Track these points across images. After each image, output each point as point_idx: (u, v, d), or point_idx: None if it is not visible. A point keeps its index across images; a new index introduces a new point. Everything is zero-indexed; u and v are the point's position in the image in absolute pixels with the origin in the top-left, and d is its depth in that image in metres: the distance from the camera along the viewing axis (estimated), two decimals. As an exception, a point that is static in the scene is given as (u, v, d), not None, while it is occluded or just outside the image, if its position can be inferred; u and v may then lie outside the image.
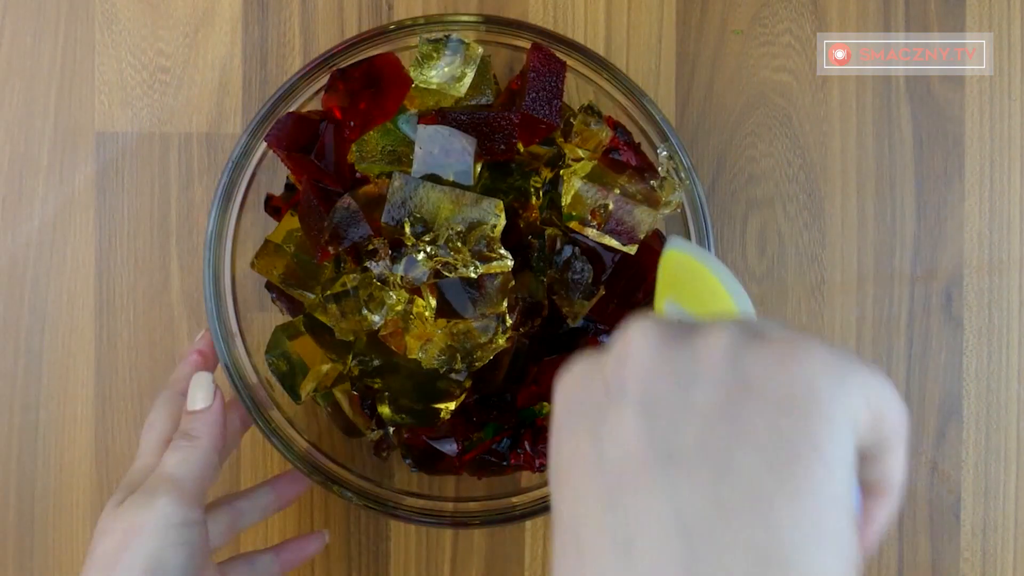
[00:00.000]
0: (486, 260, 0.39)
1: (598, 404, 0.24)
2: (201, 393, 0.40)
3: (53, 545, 0.51)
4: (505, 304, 0.40)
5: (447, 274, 0.39)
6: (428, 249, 0.39)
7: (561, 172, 0.44)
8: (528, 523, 0.51)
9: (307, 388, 0.44)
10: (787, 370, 0.22)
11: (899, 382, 0.52)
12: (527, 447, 0.45)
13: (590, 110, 0.44)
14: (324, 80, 0.44)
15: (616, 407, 0.23)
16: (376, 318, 0.41)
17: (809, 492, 0.21)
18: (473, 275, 0.39)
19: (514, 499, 0.44)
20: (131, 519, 0.36)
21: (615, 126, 0.45)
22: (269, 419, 0.43)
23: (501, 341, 0.41)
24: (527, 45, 0.44)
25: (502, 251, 0.40)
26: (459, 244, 0.39)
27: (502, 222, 0.40)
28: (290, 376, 0.44)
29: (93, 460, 0.51)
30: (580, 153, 0.44)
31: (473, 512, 0.44)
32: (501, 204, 0.40)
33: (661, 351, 0.24)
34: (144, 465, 0.39)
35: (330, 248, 0.40)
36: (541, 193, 0.44)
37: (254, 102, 0.51)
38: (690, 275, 0.35)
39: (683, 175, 0.44)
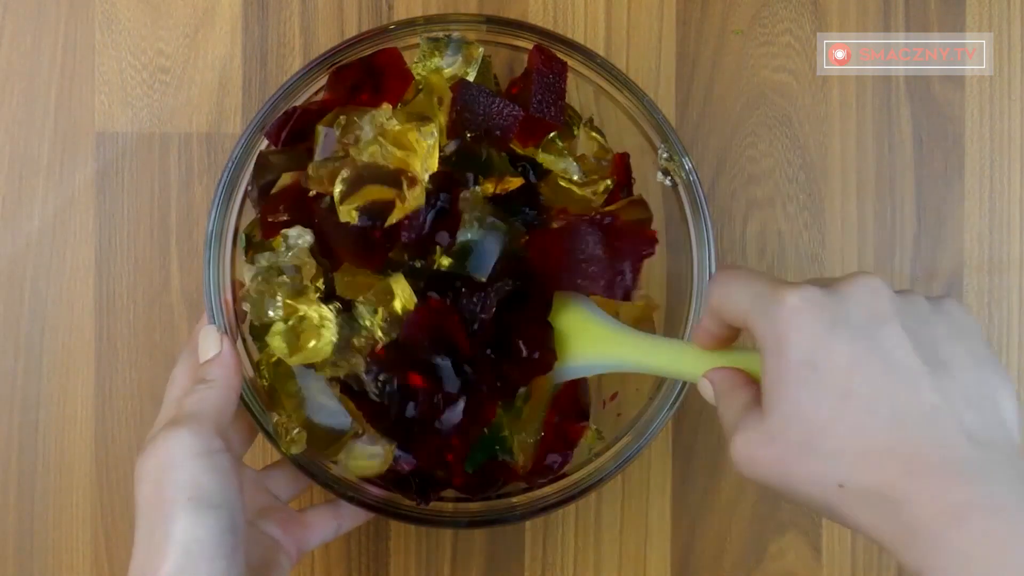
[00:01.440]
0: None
1: (864, 323, 0.31)
2: (209, 343, 0.41)
3: (53, 545, 0.51)
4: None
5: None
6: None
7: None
8: (528, 523, 0.51)
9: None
10: (957, 310, 0.33)
11: (899, 382, 0.52)
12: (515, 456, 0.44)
13: (599, 136, 0.44)
14: (324, 80, 0.44)
15: (887, 325, 0.31)
16: (271, 312, 0.41)
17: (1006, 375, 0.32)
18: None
19: (514, 499, 0.44)
20: (159, 456, 0.37)
21: (621, 164, 0.45)
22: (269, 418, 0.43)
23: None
24: (528, 45, 0.44)
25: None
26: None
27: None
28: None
29: (93, 460, 0.51)
30: (577, 192, 0.44)
31: (474, 512, 0.44)
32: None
33: (894, 294, 0.33)
34: (166, 416, 0.40)
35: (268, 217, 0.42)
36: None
37: (254, 102, 0.51)
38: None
39: (683, 176, 0.44)
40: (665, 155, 0.44)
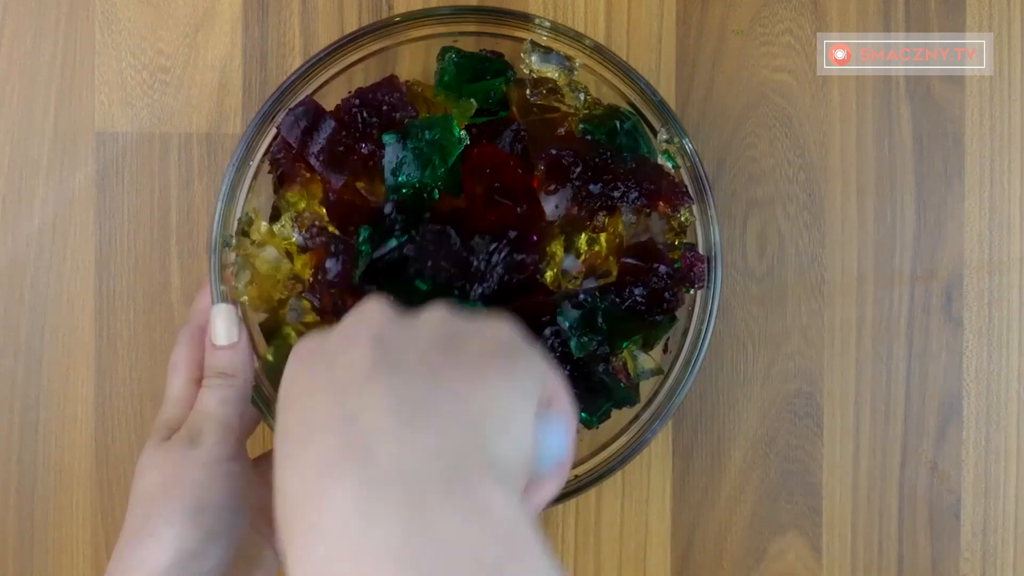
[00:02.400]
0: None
1: (334, 350, 0.28)
2: (224, 326, 0.40)
3: (53, 545, 0.51)
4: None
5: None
6: None
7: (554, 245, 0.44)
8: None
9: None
10: (495, 326, 0.30)
11: (899, 382, 0.52)
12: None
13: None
14: (325, 77, 0.44)
15: (352, 345, 0.28)
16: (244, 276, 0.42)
17: (505, 388, 0.28)
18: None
19: None
20: (179, 456, 0.37)
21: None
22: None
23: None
24: (527, 36, 0.44)
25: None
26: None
27: None
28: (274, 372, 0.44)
29: (93, 460, 0.51)
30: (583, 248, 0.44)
31: None
32: None
33: (391, 313, 0.29)
34: (178, 404, 0.40)
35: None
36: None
37: (254, 102, 0.51)
38: None
39: (683, 159, 0.44)
40: (665, 137, 0.44)
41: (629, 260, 0.43)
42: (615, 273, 0.43)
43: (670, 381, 0.44)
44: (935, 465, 0.52)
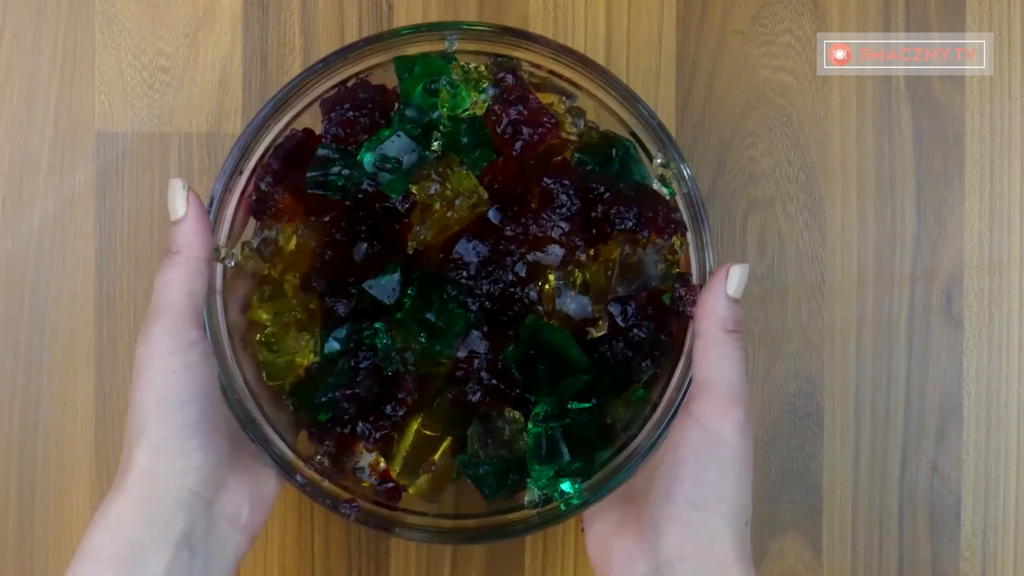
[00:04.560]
0: None
1: None
2: (177, 201, 0.39)
3: (53, 546, 0.51)
4: None
5: None
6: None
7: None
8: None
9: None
10: None
11: (899, 382, 0.52)
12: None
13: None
14: (326, 84, 0.43)
15: None
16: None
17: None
18: None
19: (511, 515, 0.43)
20: (136, 357, 0.38)
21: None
22: (266, 437, 0.42)
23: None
24: (529, 57, 0.44)
25: None
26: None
27: None
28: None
29: (93, 460, 0.51)
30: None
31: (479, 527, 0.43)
32: None
33: None
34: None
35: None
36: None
37: (254, 102, 0.51)
38: None
39: (680, 184, 0.43)
40: (662, 162, 0.43)
41: (618, 307, 0.42)
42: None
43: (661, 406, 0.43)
44: (935, 465, 0.52)
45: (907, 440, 0.52)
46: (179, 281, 0.38)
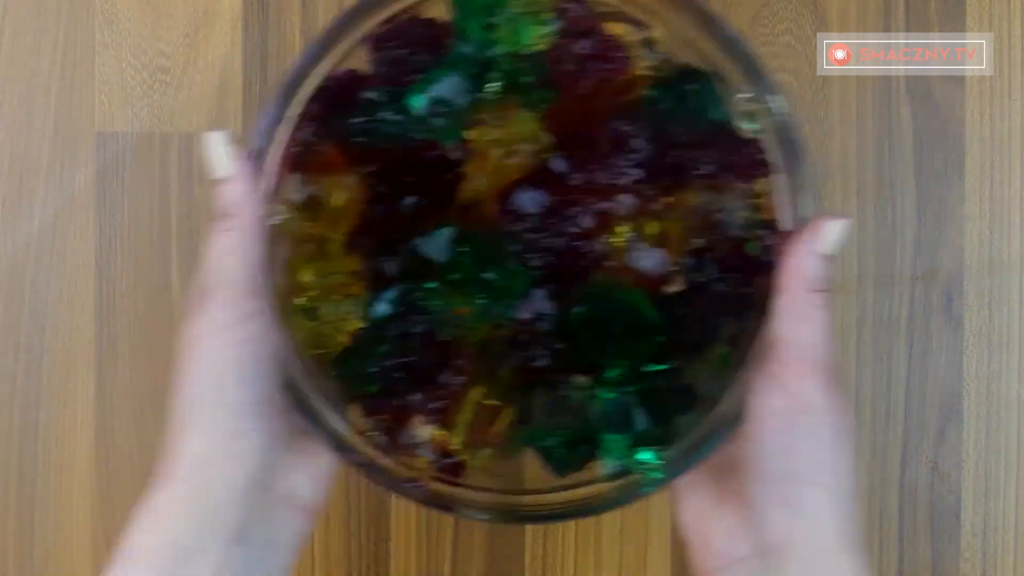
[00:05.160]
0: None
1: None
2: (222, 157, 0.35)
3: (53, 546, 0.51)
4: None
5: None
6: None
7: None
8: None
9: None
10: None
11: (899, 382, 0.52)
12: None
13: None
14: (372, 23, 0.38)
15: None
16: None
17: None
18: None
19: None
20: (185, 339, 0.34)
21: None
22: (318, 414, 0.38)
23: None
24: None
25: None
26: None
27: None
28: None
29: (93, 460, 0.51)
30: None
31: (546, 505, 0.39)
32: None
33: None
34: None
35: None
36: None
37: (254, 102, 0.51)
38: None
39: (768, 120, 0.37)
40: (747, 95, 0.37)
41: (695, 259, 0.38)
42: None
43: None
44: (935, 465, 0.52)
45: (907, 440, 0.52)
46: (236, 248, 0.34)
